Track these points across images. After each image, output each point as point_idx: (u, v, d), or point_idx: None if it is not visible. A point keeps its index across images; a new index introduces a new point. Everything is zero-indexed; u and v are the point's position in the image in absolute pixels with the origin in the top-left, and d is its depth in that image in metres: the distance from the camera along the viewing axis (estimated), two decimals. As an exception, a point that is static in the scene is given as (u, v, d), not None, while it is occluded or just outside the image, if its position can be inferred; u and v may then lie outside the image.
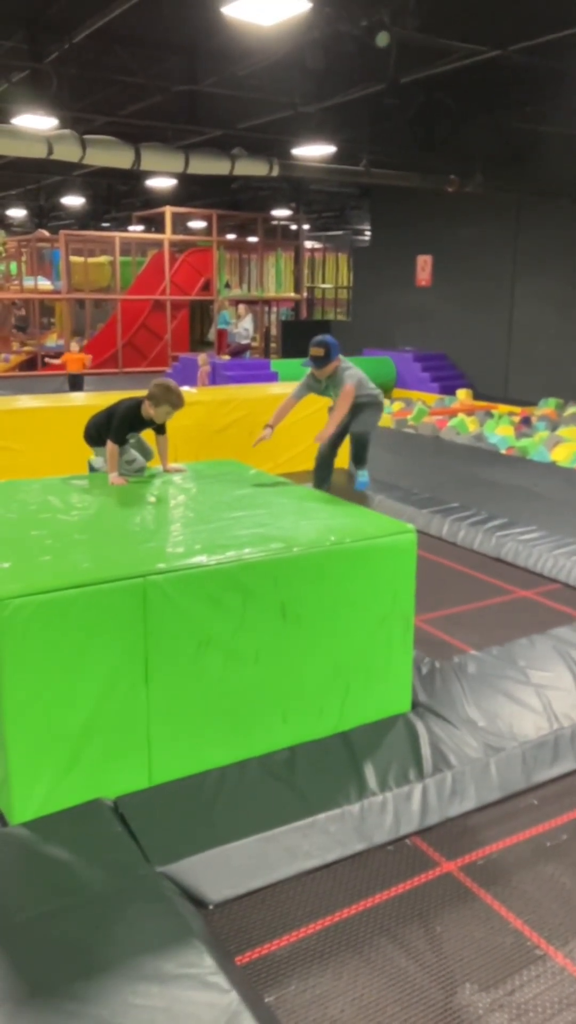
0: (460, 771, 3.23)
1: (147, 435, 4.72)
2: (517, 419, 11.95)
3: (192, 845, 2.77)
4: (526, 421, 11.85)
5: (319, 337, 5.19)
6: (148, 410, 4.38)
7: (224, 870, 2.75)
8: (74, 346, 13.39)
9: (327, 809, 2.97)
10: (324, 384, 5.40)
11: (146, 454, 4.69)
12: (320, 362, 5.10)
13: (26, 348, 20.37)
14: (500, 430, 10.92)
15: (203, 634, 3.10)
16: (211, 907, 2.68)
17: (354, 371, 5.32)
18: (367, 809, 3.01)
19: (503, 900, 2.75)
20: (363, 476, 5.80)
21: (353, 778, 3.14)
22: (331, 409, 5.59)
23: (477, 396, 14.50)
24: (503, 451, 10.06)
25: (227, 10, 6.74)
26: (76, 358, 12.96)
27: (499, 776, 3.29)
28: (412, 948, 2.55)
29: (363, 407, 5.64)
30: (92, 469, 4.81)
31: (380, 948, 2.55)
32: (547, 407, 13.00)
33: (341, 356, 5.36)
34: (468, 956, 2.52)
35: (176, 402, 4.36)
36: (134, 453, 4.53)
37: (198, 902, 2.66)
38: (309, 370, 5.39)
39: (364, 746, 3.35)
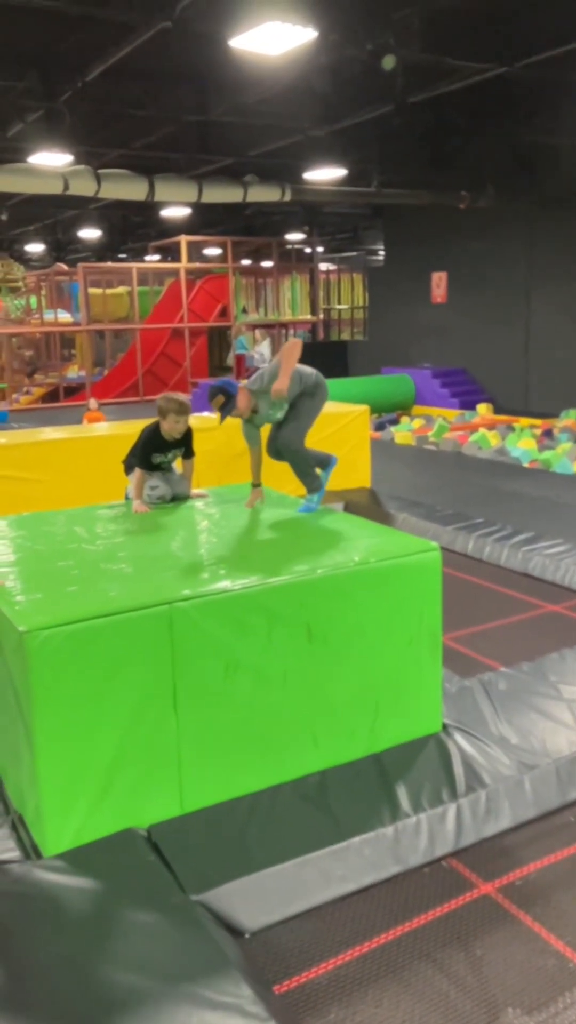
0: (494, 789, 3.19)
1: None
2: (539, 432, 11.89)
3: (226, 872, 2.76)
4: (548, 433, 11.79)
5: (210, 389, 4.28)
6: (163, 427, 4.42)
7: (259, 897, 2.73)
8: (92, 403, 13.42)
9: (361, 832, 2.94)
10: (260, 409, 4.38)
11: (174, 485, 4.64)
12: (229, 405, 4.22)
13: (48, 380, 20.62)
14: (522, 443, 10.87)
15: (230, 658, 3.10)
16: (247, 935, 2.66)
17: (262, 371, 4.37)
18: (401, 831, 2.99)
19: (543, 921, 2.71)
20: (312, 500, 4.40)
21: (386, 800, 3.12)
22: (292, 419, 4.46)
23: (498, 410, 14.46)
24: (526, 464, 10.00)
25: (235, 43, 6.85)
26: (96, 416, 13.01)
27: (534, 793, 3.25)
28: (453, 972, 2.51)
29: (296, 402, 4.41)
30: (128, 498, 4.86)
31: (420, 973, 2.51)
32: (569, 418, 12.92)
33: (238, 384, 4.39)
34: (510, 979, 2.48)
35: (179, 408, 4.36)
36: (156, 480, 4.55)
37: (234, 930, 2.64)
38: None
39: (396, 767, 3.32)
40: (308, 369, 4.47)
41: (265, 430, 4.55)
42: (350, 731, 3.39)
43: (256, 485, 4.54)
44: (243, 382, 4.46)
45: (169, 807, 3.06)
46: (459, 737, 3.53)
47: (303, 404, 4.43)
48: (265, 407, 4.38)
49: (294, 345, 4.31)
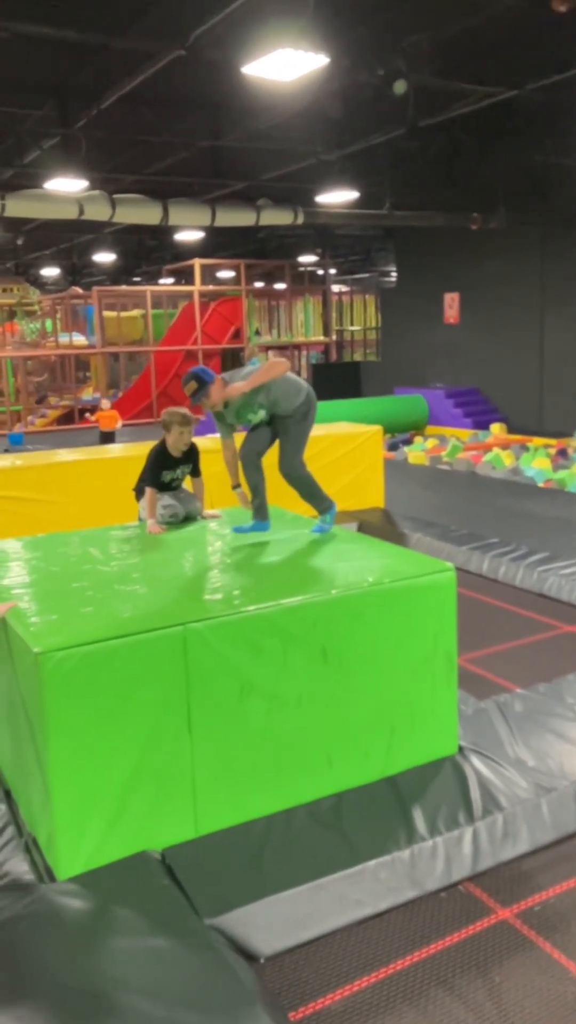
0: (511, 813, 3.16)
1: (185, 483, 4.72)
2: (553, 451, 11.86)
3: (241, 896, 2.73)
4: (562, 453, 11.76)
5: (186, 375, 4.23)
6: (169, 441, 4.46)
7: (274, 921, 2.70)
8: (105, 403, 13.65)
9: (377, 856, 2.92)
10: (233, 409, 4.29)
11: (184, 503, 4.65)
12: (200, 392, 4.14)
13: (63, 402, 20.77)
14: (536, 463, 10.84)
15: (245, 680, 3.09)
16: (262, 960, 2.63)
17: (250, 369, 4.28)
18: (417, 855, 2.95)
19: (563, 948, 2.67)
20: (325, 520, 4.38)
21: (402, 823, 3.09)
22: (279, 437, 4.42)
23: (511, 430, 14.43)
24: (540, 484, 9.97)
25: (248, 69, 6.94)
26: (108, 415, 13.22)
27: (552, 817, 3.21)
28: (471, 1000, 2.47)
29: (285, 420, 4.31)
30: (141, 519, 4.89)
31: (438, 1000, 2.47)
32: (583, 438, 12.88)
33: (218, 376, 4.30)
34: (530, 1007, 2.44)
35: (182, 420, 4.45)
36: (168, 499, 4.58)
37: (249, 955, 2.62)
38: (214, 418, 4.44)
39: (412, 790, 3.29)
40: (302, 386, 4.33)
41: (243, 438, 4.46)
42: (365, 753, 3.37)
43: (235, 487, 4.51)
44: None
45: (183, 830, 3.04)
46: (475, 759, 3.49)
47: (295, 428, 4.34)
48: (233, 406, 4.30)
49: (278, 364, 4.21)
